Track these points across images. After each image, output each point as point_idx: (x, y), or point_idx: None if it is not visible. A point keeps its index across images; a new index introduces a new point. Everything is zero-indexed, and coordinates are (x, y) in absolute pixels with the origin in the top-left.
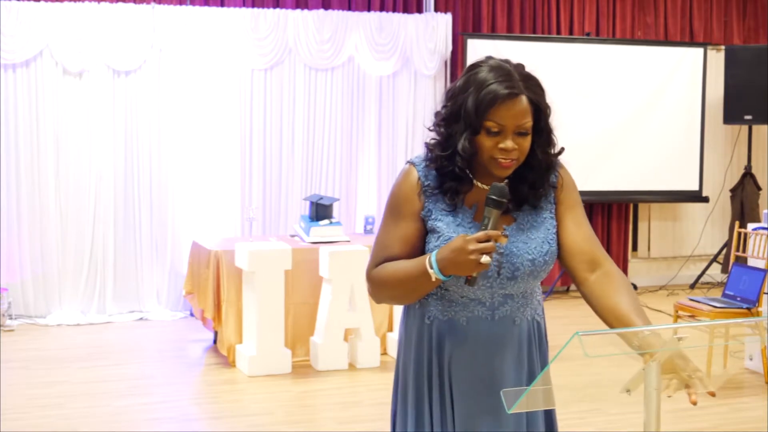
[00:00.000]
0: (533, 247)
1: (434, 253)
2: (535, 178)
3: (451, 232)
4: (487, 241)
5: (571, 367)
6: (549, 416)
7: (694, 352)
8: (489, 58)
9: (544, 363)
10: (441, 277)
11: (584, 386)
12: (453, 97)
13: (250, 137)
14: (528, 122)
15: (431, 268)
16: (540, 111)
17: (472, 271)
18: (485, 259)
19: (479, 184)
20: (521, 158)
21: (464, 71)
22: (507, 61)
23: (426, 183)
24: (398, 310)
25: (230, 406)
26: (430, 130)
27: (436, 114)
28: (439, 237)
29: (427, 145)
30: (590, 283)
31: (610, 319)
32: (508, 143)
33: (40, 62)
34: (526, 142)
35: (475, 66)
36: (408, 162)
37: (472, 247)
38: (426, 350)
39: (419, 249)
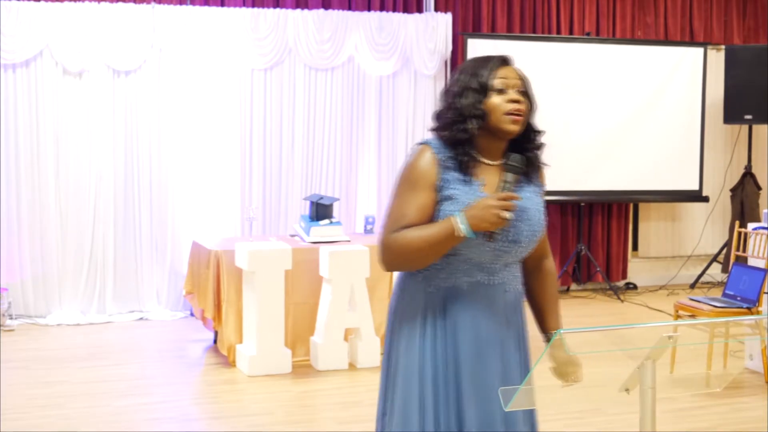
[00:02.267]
0: (531, 215)
1: (459, 214)
2: (533, 151)
3: (467, 198)
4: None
5: None
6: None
7: (693, 351)
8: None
9: (524, 326)
10: (470, 234)
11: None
12: (455, 82)
13: (250, 137)
14: (523, 87)
15: (460, 225)
16: (526, 83)
17: (498, 225)
18: (508, 214)
19: (484, 160)
20: (526, 115)
21: (456, 69)
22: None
23: (441, 157)
24: None
25: (230, 406)
26: (433, 129)
27: (442, 102)
28: (455, 202)
29: (437, 128)
30: (537, 274)
31: (537, 315)
32: (515, 94)
33: (40, 62)
34: (526, 102)
35: (466, 61)
36: (419, 143)
37: (496, 203)
38: (430, 315)
39: (431, 217)
